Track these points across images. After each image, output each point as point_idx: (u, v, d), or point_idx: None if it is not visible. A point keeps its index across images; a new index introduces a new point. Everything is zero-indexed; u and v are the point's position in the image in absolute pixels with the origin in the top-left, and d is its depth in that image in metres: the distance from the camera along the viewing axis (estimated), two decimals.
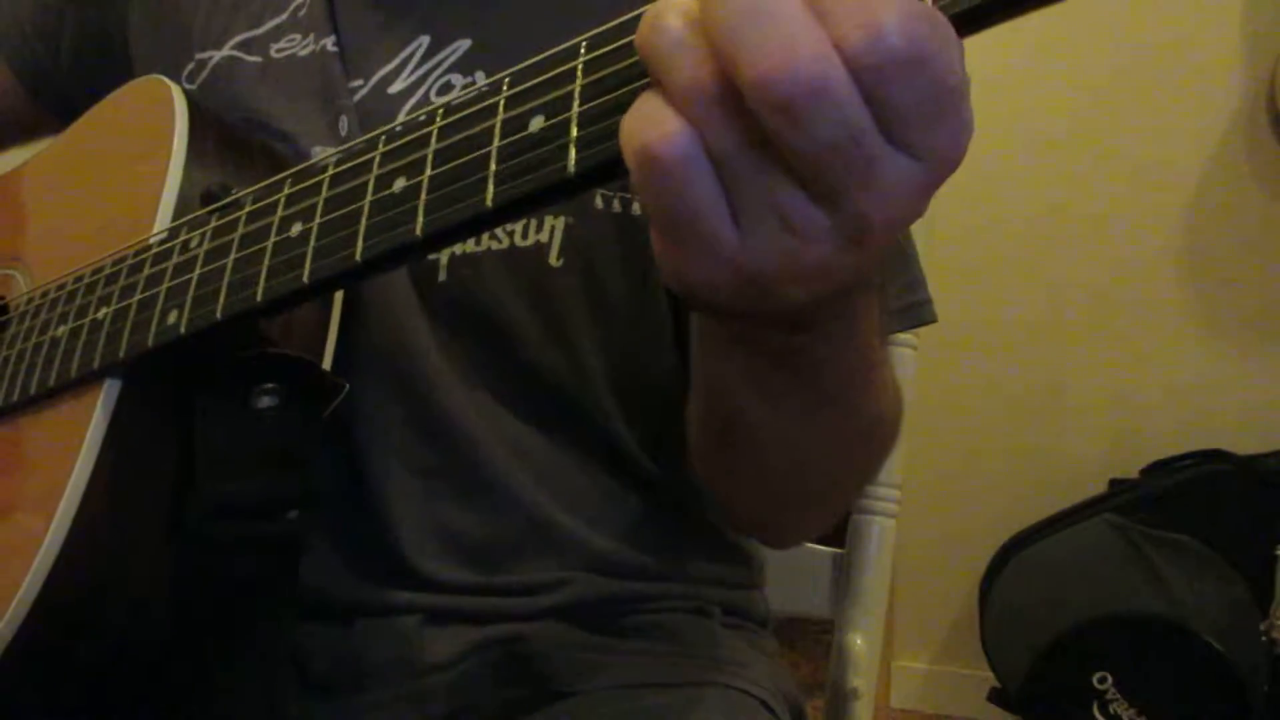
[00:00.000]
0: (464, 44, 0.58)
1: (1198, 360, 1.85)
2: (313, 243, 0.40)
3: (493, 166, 0.34)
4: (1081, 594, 1.69)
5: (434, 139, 0.37)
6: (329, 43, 0.61)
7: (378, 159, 0.39)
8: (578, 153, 0.33)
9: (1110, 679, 1.63)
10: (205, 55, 0.65)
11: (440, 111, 0.37)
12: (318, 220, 0.41)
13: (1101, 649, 1.64)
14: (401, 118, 0.58)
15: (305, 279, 0.40)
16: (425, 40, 0.59)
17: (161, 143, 0.53)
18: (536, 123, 0.34)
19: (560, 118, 0.34)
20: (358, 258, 0.38)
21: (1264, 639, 1.58)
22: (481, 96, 0.36)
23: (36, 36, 0.77)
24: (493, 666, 0.57)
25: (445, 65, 0.58)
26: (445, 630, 0.57)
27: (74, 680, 0.51)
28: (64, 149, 0.65)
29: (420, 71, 0.59)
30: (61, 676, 0.50)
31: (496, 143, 0.35)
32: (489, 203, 0.34)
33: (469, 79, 0.57)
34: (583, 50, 0.34)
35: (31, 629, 0.46)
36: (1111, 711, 1.63)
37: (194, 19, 0.67)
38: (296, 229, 0.41)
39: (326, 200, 0.41)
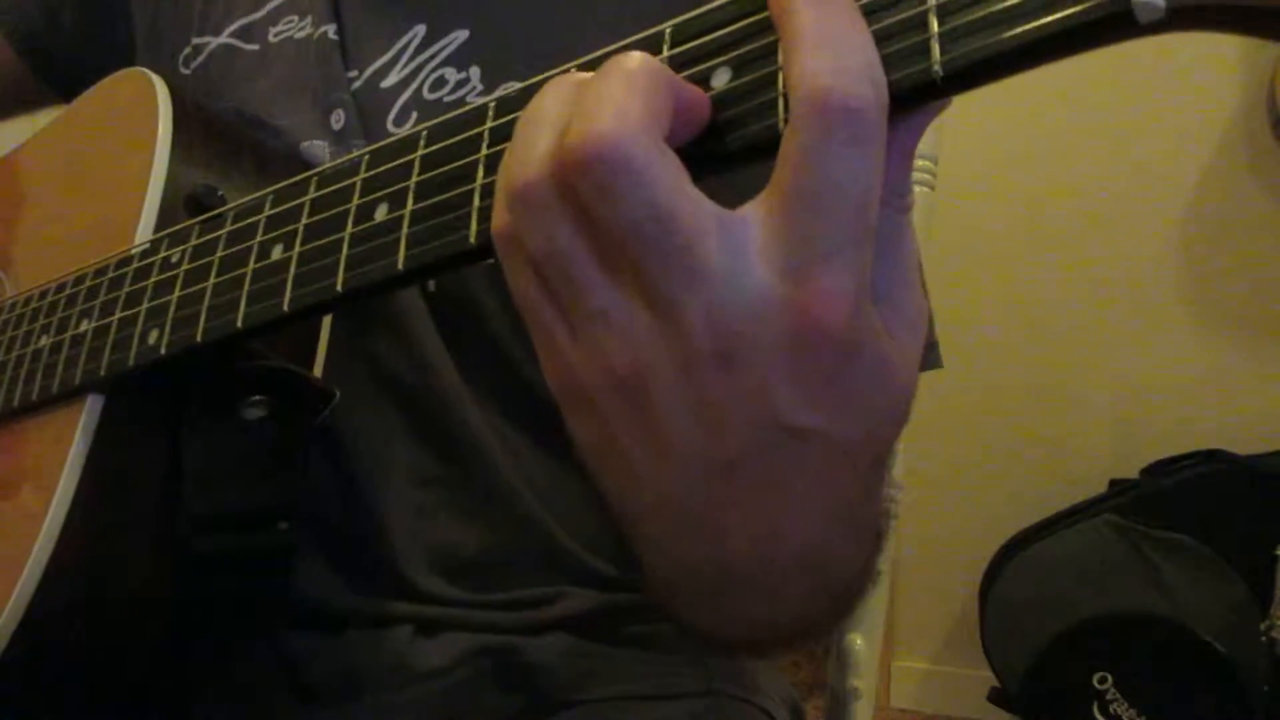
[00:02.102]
0: (461, 35, 0.57)
1: (1198, 360, 1.85)
2: (293, 270, 0.40)
3: (476, 202, 0.34)
4: (1081, 594, 1.69)
5: (417, 169, 0.36)
6: (330, 30, 0.59)
7: (359, 185, 0.38)
8: None
9: (1110, 679, 1.63)
10: (202, 40, 0.64)
11: (424, 137, 0.36)
12: (298, 248, 0.40)
13: (1101, 649, 1.64)
14: (394, 113, 0.56)
15: (285, 307, 0.40)
16: (421, 30, 0.57)
17: (144, 141, 0.52)
18: None
19: None
20: (339, 289, 0.38)
21: (1264, 639, 1.58)
22: (466, 123, 0.35)
23: (36, 9, 0.75)
24: (487, 675, 0.56)
25: (440, 58, 0.57)
26: (439, 639, 0.57)
27: (63, 694, 0.50)
28: (47, 145, 0.64)
29: (414, 64, 0.57)
30: (51, 690, 0.50)
31: (480, 179, 0.34)
32: (473, 239, 0.33)
33: (464, 73, 0.56)
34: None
35: (19, 646, 0.46)
36: (1111, 711, 1.63)
37: (195, 2, 0.65)
38: (277, 253, 0.41)
39: (307, 226, 0.40)
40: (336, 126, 0.57)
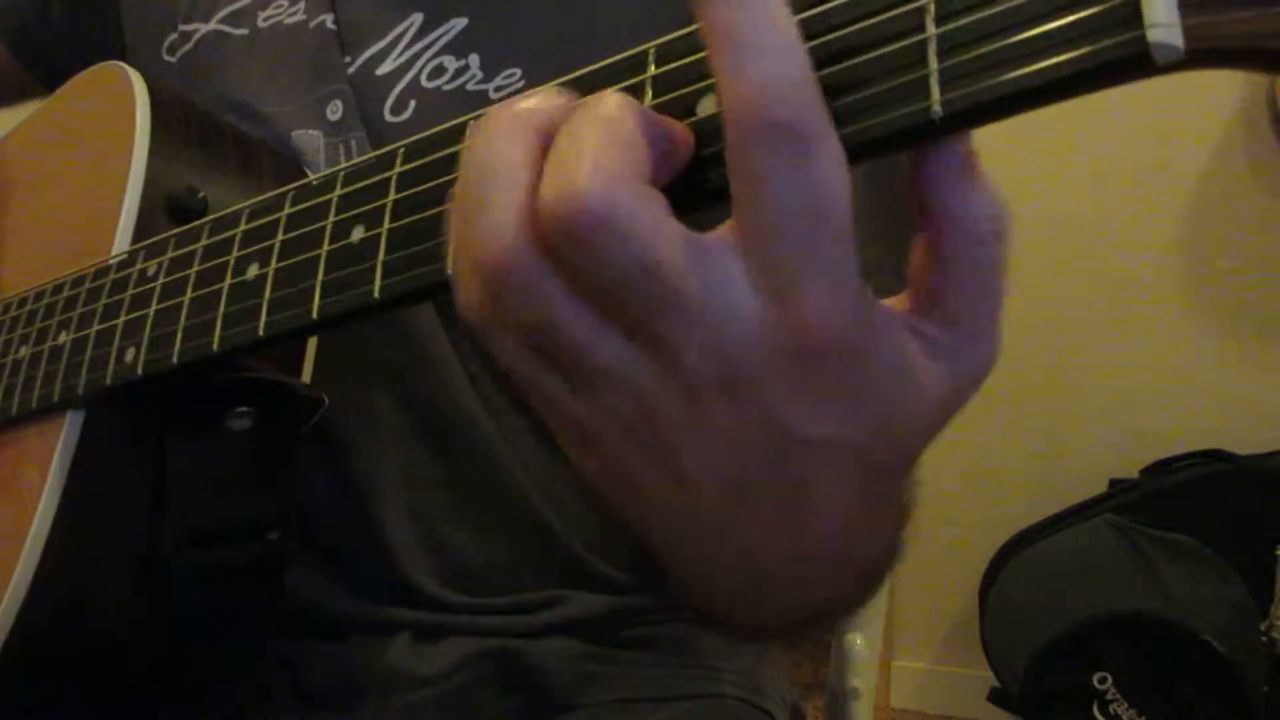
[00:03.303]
0: (459, 23, 0.56)
1: (1198, 360, 1.85)
2: (268, 293, 0.39)
3: None
4: (1081, 594, 1.69)
5: (393, 187, 0.35)
6: (328, 20, 0.59)
7: (335, 202, 0.37)
8: None
9: (1110, 679, 1.63)
10: (191, 27, 0.63)
11: (401, 154, 0.35)
12: (273, 266, 0.39)
13: (1101, 649, 1.64)
14: (390, 101, 0.56)
15: (261, 332, 0.39)
16: (418, 18, 0.57)
17: (122, 140, 0.50)
18: None
19: None
20: (314, 315, 0.36)
21: (1264, 639, 1.58)
22: (442, 141, 0.34)
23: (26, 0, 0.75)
24: (488, 679, 0.56)
25: (438, 46, 0.56)
26: (439, 644, 0.56)
27: (57, 706, 0.50)
28: (24, 141, 0.63)
29: (411, 52, 0.56)
30: (45, 703, 0.49)
31: None
32: (451, 268, 0.32)
33: (462, 61, 0.55)
34: None
35: (10, 662, 0.46)
36: (1111, 711, 1.63)
37: None
38: (253, 271, 0.40)
39: (283, 244, 0.39)
40: (333, 117, 0.57)
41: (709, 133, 0.28)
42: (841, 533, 0.31)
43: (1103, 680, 1.63)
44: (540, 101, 0.29)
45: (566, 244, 0.26)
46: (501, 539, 0.57)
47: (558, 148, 0.27)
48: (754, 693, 0.61)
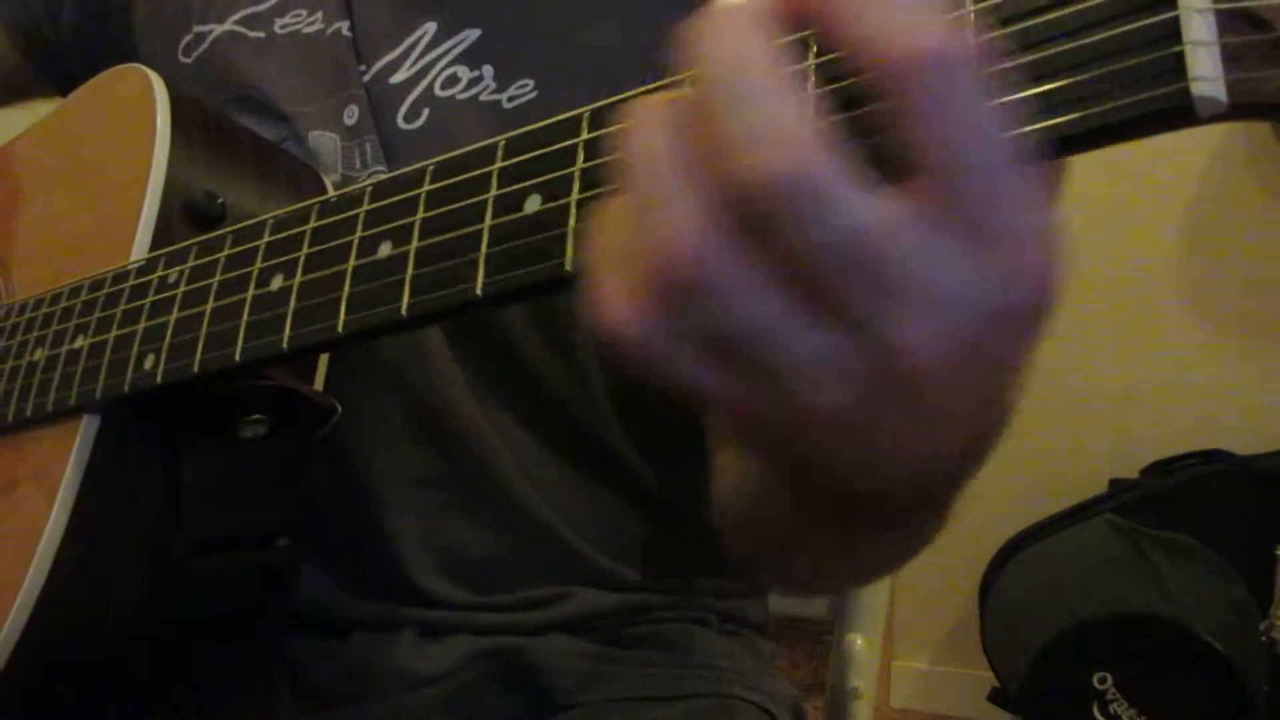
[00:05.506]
0: (473, 34, 0.56)
1: (1198, 360, 1.85)
2: (292, 305, 0.38)
3: (484, 248, 0.32)
4: (1081, 594, 1.69)
5: (422, 205, 0.35)
6: (343, 27, 0.59)
7: (362, 217, 0.37)
8: (577, 247, 0.29)
9: (1110, 679, 1.63)
10: (205, 29, 0.64)
11: (430, 172, 0.35)
12: (298, 279, 0.39)
13: (1101, 649, 1.64)
14: (404, 109, 0.56)
15: (284, 345, 0.38)
16: (431, 28, 0.57)
17: (143, 143, 0.51)
18: (532, 204, 0.31)
19: (559, 203, 0.30)
20: (339, 329, 0.36)
21: (1264, 639, 1.58)
22: (474, 161, 0.34)
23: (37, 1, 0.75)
24: (491, 677, 0.57)
25: (451, 56, 0.56)
26: (442, 642, 0.57)
27: (63, 707, 0.50)
28: (42, 141, 0.64)
29: (424, 61, 0.57)
30: (51, 704, 0.50)
31: (489, 220, 0.32)
32: (479, 290, 0.31)
33: (476, 72, 0.56)
34: (585, 126, 0.31)
35: (18, 665, 0.46)
36: (1111, 711, 1.63)
37: None
38: (277, 283, 0.40)
39: (308, 257, 0.39)
40: (349, 121, 0.57)
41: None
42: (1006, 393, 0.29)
43: (1103, 680, 1.63)
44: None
45: (765, 221, 0.23)
46: (503, 536, 0.57)
47: (720, 128, 0.24)
48: (756, 692, 0.61)
